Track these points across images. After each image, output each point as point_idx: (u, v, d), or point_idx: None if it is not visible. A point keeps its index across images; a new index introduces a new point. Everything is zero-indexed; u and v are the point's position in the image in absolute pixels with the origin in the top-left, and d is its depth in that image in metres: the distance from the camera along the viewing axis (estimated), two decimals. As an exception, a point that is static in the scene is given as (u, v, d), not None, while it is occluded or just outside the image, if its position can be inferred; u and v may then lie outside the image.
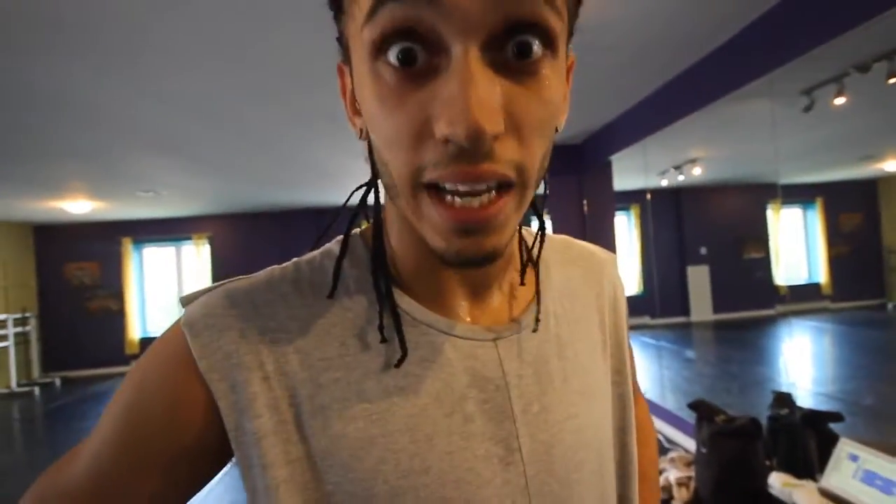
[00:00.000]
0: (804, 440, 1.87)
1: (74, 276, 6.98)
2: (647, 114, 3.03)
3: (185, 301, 0.36)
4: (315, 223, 7.06)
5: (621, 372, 0.45)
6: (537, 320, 0.39)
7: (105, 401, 5.42)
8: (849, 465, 1.64)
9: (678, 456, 2.25)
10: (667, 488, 2.06)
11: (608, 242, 4.03)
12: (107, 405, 0.36)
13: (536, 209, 0.40)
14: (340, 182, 5.17)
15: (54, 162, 3.67)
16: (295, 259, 0.39)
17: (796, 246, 6.50)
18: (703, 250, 7.14)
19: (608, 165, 3.95)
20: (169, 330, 0.35)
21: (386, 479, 0.32)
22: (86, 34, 1.87)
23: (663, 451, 2.57)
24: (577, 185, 4.06)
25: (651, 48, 2.30)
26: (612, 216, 4.13)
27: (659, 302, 6.63)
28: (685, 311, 7.08)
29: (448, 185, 0.27)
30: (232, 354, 0.33)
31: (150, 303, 7.27)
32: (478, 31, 0.25)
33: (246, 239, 7.17)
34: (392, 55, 0.27)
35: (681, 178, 5.47)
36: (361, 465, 0.32)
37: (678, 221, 7.28)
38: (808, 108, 2.77)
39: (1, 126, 2.81)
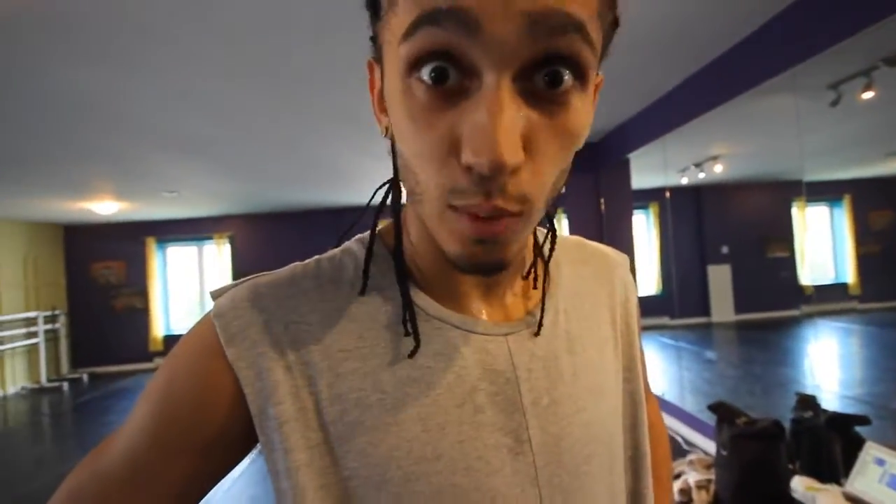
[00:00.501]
0: (829, 443, 1.83)
1: (101, 274, 7.20)
2: (667, 111, 2.98)
3: (215, 294, 0.38)
4: (333, 222, 7.13)
5: (632, 370, 0.46)
6: (540, 325, 0.40)
7: (130, 396, 5.58)
8: (875, 469, 1.59)
9: (698, 458, 2.22)
10: (686, 491, 2.03)
11: (625, 242, 3.98)
12: (141, 393, 0.38)
13: (547, 212, 0.41)
14: (358, 182, 5.22)
15: (83, 164, 3.79)
16: (316, 256, 0.41)
17: (823, 245, 6.32)
18: (725, 249, 6.99)
19: (626, 163, 3.90)
20: (200, 321, 0.37)
21: (399, 464, 0.33)
22: (115, 41, 1.93)
23: (682, 453, 2.54)
24: (593, 184, 4.02)
25: (671, 44, 2.26)
26: (630, 215, 4.08)
27: (678, 302, 6.52)
28: (705, 311, 6.95)
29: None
30: (257, 344, 0.35)
31: (173, 301, 7.45)
32: (512, 62, 0.26)
33: (266, 238, 7.29)
34: (425, 73, 0.27)
35: (701, 175, 5.37)
36: (376, 451, 0.33)
37: (698, 220, 7.14)
38: (834, 103, 2.69)
39: (34, 130, 2.91)
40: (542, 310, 0.40)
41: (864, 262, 5.85)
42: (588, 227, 3.96)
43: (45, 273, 6.77)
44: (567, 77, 0.27)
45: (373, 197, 0.41)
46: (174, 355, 0.37)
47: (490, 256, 0.30)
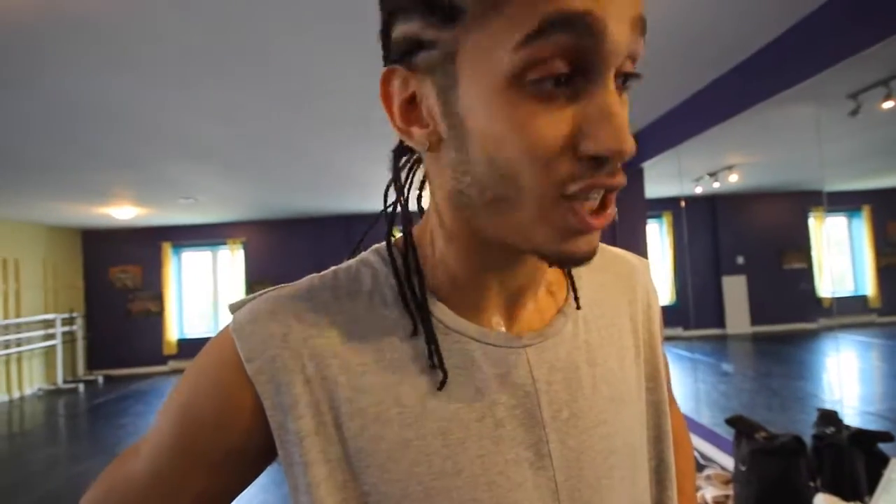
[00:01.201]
0: (852, 460, 1.78)
1: (118, 278, 7.31)
2: (683, 119, 2.96)
3: (234, 308, 0.38)
4: (345, 229, 7.18)
5: (655, 379, 0.45)
6: (558, 333, 0.40)
7: (144, 399, 5.63)
8: (902, 488, 1.54)
9: (715, 473, 2.17)
10: (703, 506, 1.98)
11: (639, 251, 3.95)
12: (162, 404, 0.38)
13: None
14: (370, 189, 5.25)
15: (104, 170, 3.87)
16: (333, 268, 0.41)
17: (841, 256, 6.21)
18: (741, 260, 6.90)
19: (640, 172, 3.88)
20: (219, 335, 0.37)
21: (420, 480, 0.33)
22: (136, 50, 1.97)
23: (699, 468, 2.49)
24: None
25: (688, 52, 2.26)
26: (644, 224, 4.05)
27: (693, 313, 6.43)
28: (720, 322, 6.83)
29: (582, 199, 0.30)
30: (276, 358, 0.35)
31: (187, 305, 7.53)
32: (618, 62, 0.29)
33: (278, 244, 7.36)
34: (541, 75, 0.27)
35: (716, 185, 5.32)
36: (396, 466, 0.33)
37: (713, 230, 7.06)
38: (854, 112, 2.65)
39: (57, 136, 2.99)
40: (565, 308, 0.41)
41: (885, 274, 5.73)
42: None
43: (63, 276, 6.89)
44: (630, 75, 0.31)
45: (381, 213, 0.41)
46: (195, 368, 0.37)
47: (590, 246, 0.32)
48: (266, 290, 0.39)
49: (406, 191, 0.39)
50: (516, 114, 0.28)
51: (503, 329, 0.38)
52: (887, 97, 2.44)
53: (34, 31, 1.80)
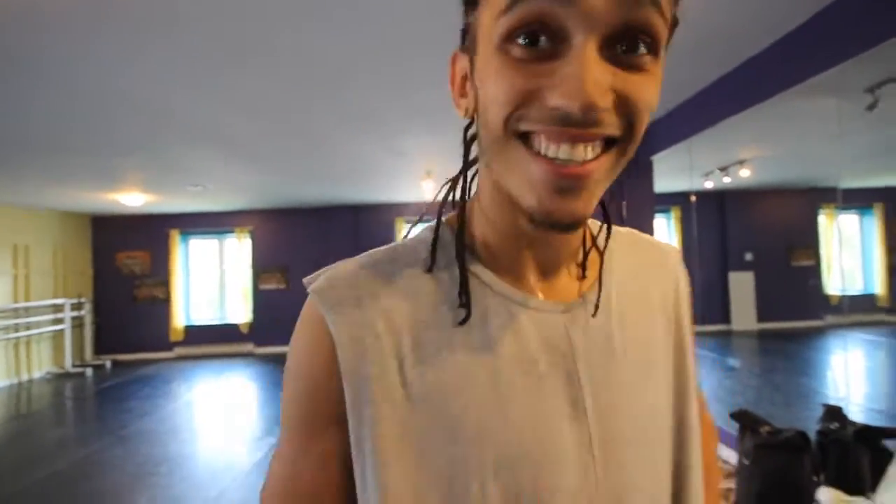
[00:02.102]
0: (856, 456, 1.77)
1: (125, 264, 7.38)
2: (695, 111, 2.93)
3: (310, 280, 0.43)
4: (352, 219, 7.19)
5: (681, 349, 0.48)
6: (597, 307, 0.43)
7: (151, 383, 5.70)
8: (907, 484, 1.54)
9: (717, 466, 2.17)
10: (704, 499, 1.99)
11: (647, 244, 3.92)
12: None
13: (603, 205, 0.46)
14: (378, 180, 5.25)
15: (115, 156, 3.89)
16: (393, 244, 0.46)
17: (851, 254, 6.14)
18: (749, 256, 6.84)
19: (649, 165, 3.85)
20: (305, 306, 0.42)
21: (472, 421, 0.38)
22: (149, 37, 1.97)
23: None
24: (615, 186, 3.95)
25: (704, 42, 2.22)
26: (652, 218, 4.02)
27: (699, 309, 6.41)
28: (726, 318, 6.80)
29: (544, 146, 0.33)
30: (350, 314, 0.40)
31: (194, 292, 7.59)
32: (599, 28, 0.31)
33: (285, 233, 7.38)
34: (520, 37, 0.32)
35: (727, 180, 5.26)
36: (449, 409, 0.38)
37: (721, 225, 7.00)
38: (871, 107, 2.61)
39: (70, 121, 3.00)
40: (600, 291, 0.44)
41: (895, 272, 5.67)
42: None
43: (72, 261, 6.96)
44: (643, 47, 0.32)
45: (441, 189, 0.46)
46: (293, 339, 0.42)
47: (570, 210, 0.33)
48: (335, 264, 0.44)
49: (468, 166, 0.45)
50: (500, 71, 0.33)
51: (541, 296, 0.43)
52: (905, 91, 2.39)
53: (51, 18, 1.80)
